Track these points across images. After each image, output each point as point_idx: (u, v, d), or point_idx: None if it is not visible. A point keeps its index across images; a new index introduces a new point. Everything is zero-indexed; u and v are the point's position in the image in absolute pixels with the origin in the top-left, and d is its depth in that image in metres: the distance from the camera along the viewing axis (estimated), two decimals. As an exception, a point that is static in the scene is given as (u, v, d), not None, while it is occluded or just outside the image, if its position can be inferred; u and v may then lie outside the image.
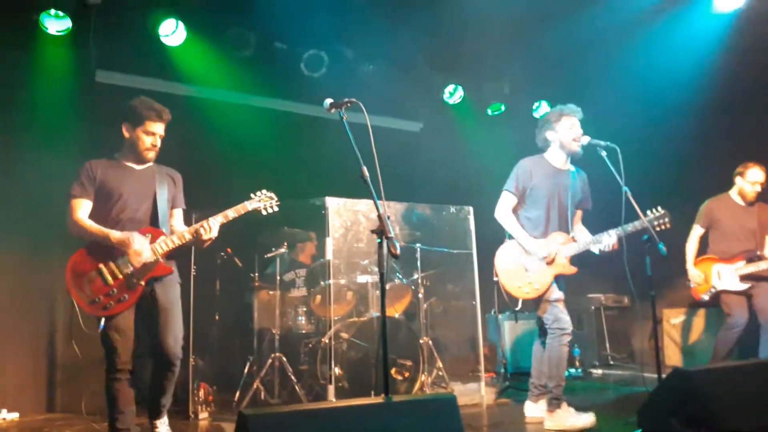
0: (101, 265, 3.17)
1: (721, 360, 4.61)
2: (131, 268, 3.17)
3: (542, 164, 4.10)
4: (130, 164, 3.40)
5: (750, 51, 5.34)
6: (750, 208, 4.84)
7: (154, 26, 5.25)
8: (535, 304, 3.95)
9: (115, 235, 3.17)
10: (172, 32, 5.30)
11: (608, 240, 3.83)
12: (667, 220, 3.84)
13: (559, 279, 3.99)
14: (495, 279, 4.01)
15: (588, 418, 3.75)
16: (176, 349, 3.28)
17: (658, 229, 3.83)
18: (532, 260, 3.92)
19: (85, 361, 4.57)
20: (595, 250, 3.97)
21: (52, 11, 4.85)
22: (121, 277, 3.16)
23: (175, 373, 3.31)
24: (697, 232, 4.91)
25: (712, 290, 4.72)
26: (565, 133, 4.03)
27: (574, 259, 4.00)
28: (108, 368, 3.18)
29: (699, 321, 5.80)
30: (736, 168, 4.89)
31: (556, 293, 3.89)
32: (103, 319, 3.19)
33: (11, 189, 4.80)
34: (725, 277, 4.71)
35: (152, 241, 3.25)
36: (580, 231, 4.17)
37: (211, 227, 3.29)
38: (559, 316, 3.85)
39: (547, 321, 3.88)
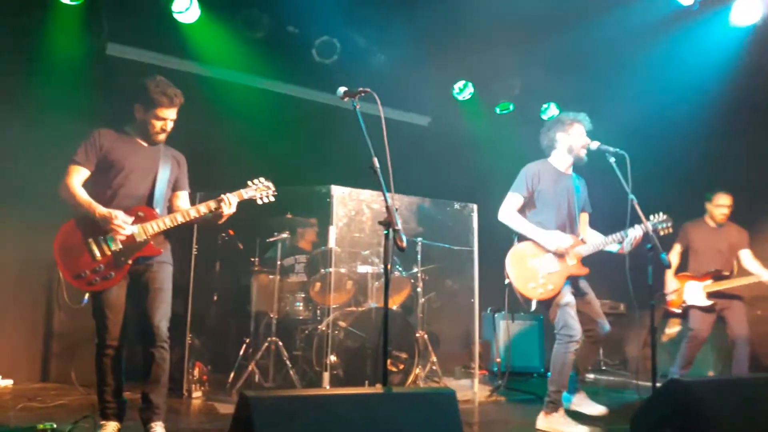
0: (90, 240, 3.14)
1: (682, 368, 4.95)
2: (119, 246, 3.14)
3: (548, 168, 4.11)
4: (139, 140, 3.38)
5: (765, 65, 5.35)
6: (721, 229, 5.14)
7: (167, 2, 5.22)
8: (546, 307, 3.92)
9: (99, 209, 3.13)
10: (185, 9, 5.26)
11: (633, 233, 3.85)
12: (669, 224, 3.93)
13: (574, 280, 3.98)
14: (506, 281, 3.96)
15: (582, 430, 3.71)
16: (162, 329, 3.22)
17: (661, 233, 3.86)
18: (544, 261, 3.91)
19: (80, 333, 4.62)
20: (613, 248, 3.99)
21: (65, -21, 4.82)
22: (108, 254, 3.14)
23: (165, 359, 3.23)
24: (676, 249, 5.24)
25: (683, 304, 5.04)
26: (576, 138, 4.06)
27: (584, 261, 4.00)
28: (98, 342, 3.21)
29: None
30: (707, 193, 5.23)
31: (568, 297, 3.86)
32: (87, 294, 3.18)
33: (15, 159, 4.77)
34: (694, 293, 5.01)
35: (144, 221, 3.20)
36: (590, 234, 4.20)
37: (231, 202, 3.27)
38: (569, 322, 3.80)
39: (557, 326, 3.85)
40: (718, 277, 4.95)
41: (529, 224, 3.97)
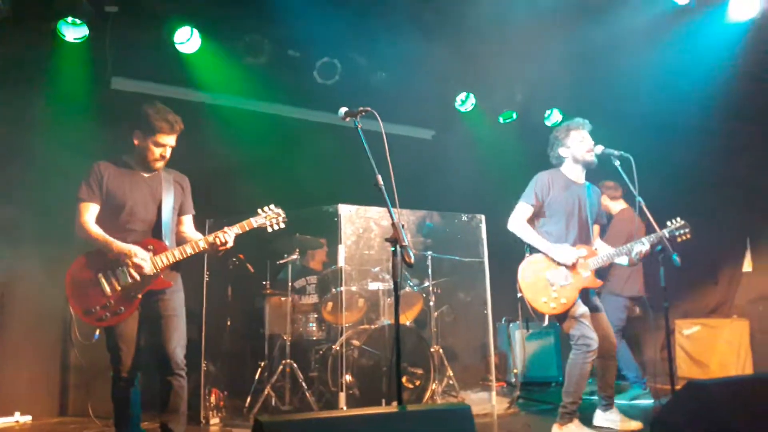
0: (100, 275, 3.15)
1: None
2: (130, 281, 3.14)
3: (559, 177, 4.09)
4: (138, 170, 3.36)
5: (764, 60, 5.33)
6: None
7: (169, 34, 5.30)
8: (560, 319, 3.87)
9: (117, 245, 3.14)
10: (186, 39, 5.33)
11: (640, 247, 3.83)
12: (687, 230, 3.88)
13: (587, 292, 3.95)
14: (519, 294, 3.92)
15: None
16: (178, 357, 3.20)
17: (679, 240, 3.83)
18: (557, 273, 3.85)
19: (96, 366, 4.64)
20: (623, 261, 3.96)
21: (70, 19, 4.91)
22: (119, 288, 3.14)
23: (183, 387, 3.21)
24: None
25: None
26: (577, 146, 4.04)
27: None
28: (113, 374, 3.22)
29: (712, 332, 5.74)
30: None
31: (582, 308, 3.82)
32: (98, 330, 3.18)
33: (27, 195, 4.83)
34: None
35: (154, 254, 3.20)
36: (600, 245, 4.16)
37: (227, 240, 3.26)
38: (585, 332, 3.76)
39: (573, 337, 3.79)
40: None
41: (538, 236, 3.93)
